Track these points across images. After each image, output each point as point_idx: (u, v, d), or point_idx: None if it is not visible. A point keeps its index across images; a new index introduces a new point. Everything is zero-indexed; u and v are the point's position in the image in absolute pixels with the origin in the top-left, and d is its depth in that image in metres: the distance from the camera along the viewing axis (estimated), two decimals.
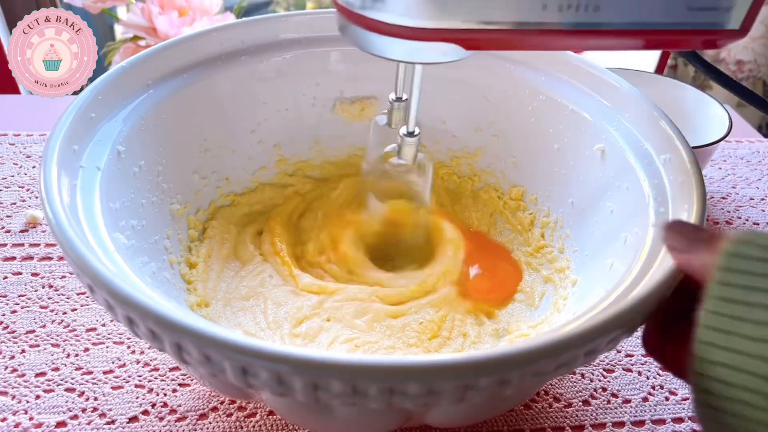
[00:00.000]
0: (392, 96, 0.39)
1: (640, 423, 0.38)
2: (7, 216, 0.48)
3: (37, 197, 0.50)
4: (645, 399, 0.39)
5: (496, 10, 0.26)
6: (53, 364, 0.38)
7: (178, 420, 0.36)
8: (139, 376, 0.38)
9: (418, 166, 0.40)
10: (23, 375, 0.37)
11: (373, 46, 0.29)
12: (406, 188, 0.43)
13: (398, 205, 0.44)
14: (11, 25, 1.00)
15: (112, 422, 0.35)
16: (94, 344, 0.39)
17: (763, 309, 0.22)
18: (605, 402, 0.39)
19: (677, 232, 0.26)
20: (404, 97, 0.39)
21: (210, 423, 0.36)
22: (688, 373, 0.24)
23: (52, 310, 0.41)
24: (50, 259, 0.45)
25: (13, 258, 0.45)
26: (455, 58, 0.29)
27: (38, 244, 0.46)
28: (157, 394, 0.37)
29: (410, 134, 0.38)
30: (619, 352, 0.42)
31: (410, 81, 0.34)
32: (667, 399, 0.39)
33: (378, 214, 0.44)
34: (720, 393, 0.23)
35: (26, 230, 0.47)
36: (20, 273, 0.44)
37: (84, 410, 0.36)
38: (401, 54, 0.29)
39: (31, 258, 0.45)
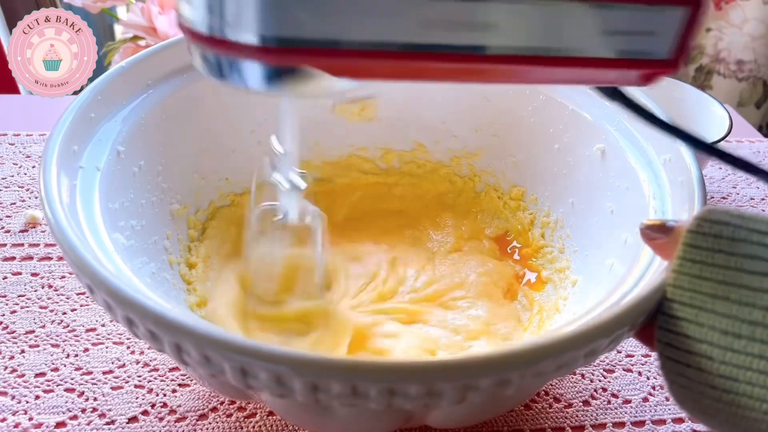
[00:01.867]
0: (278, 147, 0.32)
1: (641, 423, 0.38)
2: (7, 216, 0.48)
3: (36, 197, 0.50)
4: (645, 399, 0.39)
5: (359, 22, 0.20)
6: (53, 364, 0.38)
7: (178, 420, 0.36)
8: (139, 376, 0.38)
9: (305, 227, 0.33)
10: (23, 375, 0.37)
11: (227, 73, 0.23)
12: (295, 252, 0.37)
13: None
14: (11, 25, 1.00)
15: (112, 422, 0.35)
16: (93, 344, 0.39)
17: (725, 269, 0.23)
18: (605, 402, 0.39)
19: (652, 225, 0.28)
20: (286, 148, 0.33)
21: (210, 423, 0.36)
22: (655, 331, 0.26)
23: (51, 311, 0.41)
24: (50, 259, 0.45)
25: (13, 258, 0.45)
26: (335, 90, 0.23)
27: (38, 244, 0.46)
28: (157, 395, 0.37)
29: (295, 187, 0.31)
30: (619, 352, 0.42)
31: (281, 118, 0.28)
32: (667, 399, 0.39)
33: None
34: (682, 347, 0.24)
35: (26, 230, 0.47)
36: (20, 273, 0.44)
37: (84, 410, 0.36)
38: (258, 83, 0.23)
39: (31, 258, 0.45)
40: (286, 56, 0.21)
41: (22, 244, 0.46)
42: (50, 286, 0.43)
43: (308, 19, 0.20)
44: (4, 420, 0.35)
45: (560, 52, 0.22)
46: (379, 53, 0.21)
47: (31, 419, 0.35)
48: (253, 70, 0.23)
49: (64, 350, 0.39)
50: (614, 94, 0.25)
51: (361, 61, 0.21)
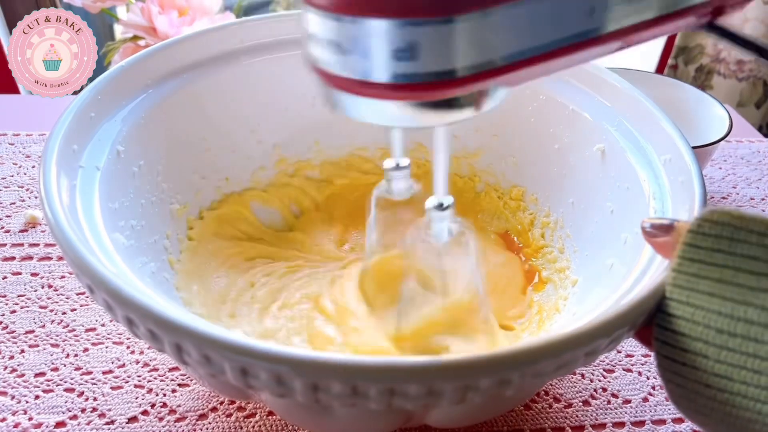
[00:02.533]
0: (388, 163, 0.32)
1: (641, 423, 0.38)
2: (7, 216, 0.48)
3: (36, 197, 0.50)
4: (645, 399, 0.39)
5: (543, 29, 0.21)
6: (53, 364, 0.38)
7: (178, 420, 0.36)
8: (139, 376, 0.38)
9: (455, 243, 0.31)
10: (23, 375, 0.37)
11: (385, 116, 0.22)
12: (439, 275, 0.35)
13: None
14: (11, 25, 1.00)
15: (112, 422, 0.35)
16: (93, 344, 0.39)
17: (723, 268, 0.23)
18: (605, 402, 0.39)
19: (653, 224, 0.28)
20: (403, 163, 0.33)
21: (209, 423, 0.36)
22: (653, 329, 0.26)
23: (51, 310, 0.41)
24: (50, 259, 0.45)
25: (13, 258, 0.45)
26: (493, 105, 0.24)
27: (38, 244, 0.46)
28: (157, 395, 0.37)
29: (440, 207, 0.30)
30: (619, 352, 0.42)
31: (432, 143, 0.27)
32: (667, 399, 0.39)
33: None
34: (678, 345, 0.24)
35: (26, 230, 0.47)
36: (20, 273, 0.44)
37: (83, 410, 0.36)
38: (421, 120, 0.22)
39: (31, 258, 0.45)
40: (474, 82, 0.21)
41: (22, 244, 0.46)
42: (50, 286, 0.43)
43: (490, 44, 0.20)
44: (3, 420, 0.35)
45: (678, 6, 0.23)
46: (540, 57, 0.21)
47: (30, 419, 0.35)
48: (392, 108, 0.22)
49: (63, 350, 0.39)
50: (710, 27, 0.26)
51: (524, 71, 0.22)
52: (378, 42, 0.19)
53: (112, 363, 0.38)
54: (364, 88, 0.21)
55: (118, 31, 0.70)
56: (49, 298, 0.42)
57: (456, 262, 0.33)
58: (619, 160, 0.37)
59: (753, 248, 0.23)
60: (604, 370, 0.41)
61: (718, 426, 0.24)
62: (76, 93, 0.37)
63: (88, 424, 0.35)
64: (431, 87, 0.20)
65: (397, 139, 0.32)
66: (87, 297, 0.42)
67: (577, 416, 0.38)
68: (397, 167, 0.33)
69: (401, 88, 0.20)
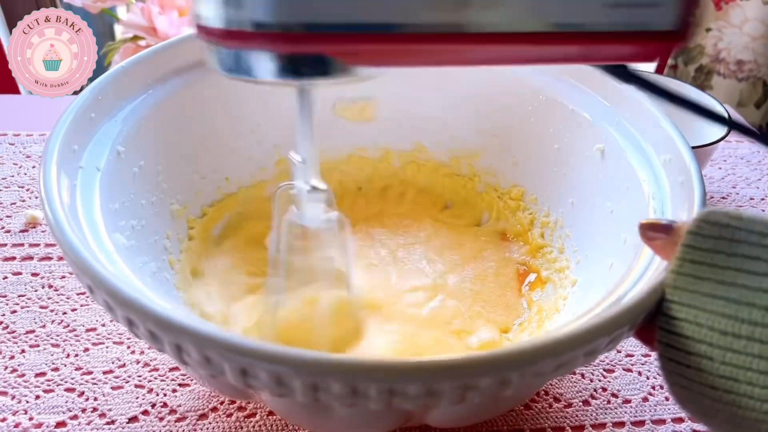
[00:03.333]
0: (296, 157, 0.31)
1: (640, 423, 0.38)
2: (7, 216, 0.48)
3: (37, 197, 0.50)
4: (645, 399, 0.39)
5: (374, 4, 0.21)
6: (53, 364, 0.38)
7: (178, 420, 0.36)
8: (139, 376, 0.38)
9: (326, 231, 0.32)
10: (23, 375, 0.37)
11: (243, 67, 0.23)
12: (320, 263, 0.35)
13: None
14: (11, 25, 1.00)
15: (112, 422, 0.35)
16: (93, 344, 0.39)
17: (724, 269, 0.23)
18: (605, 402, 0.39)
19: (651, 225, 0.28)
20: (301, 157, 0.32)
21: (210, 423, 0.36)
22: (656, 332, 0.25)
23: (52, 310, 0.41)
24: (50, 259, 0.45)
25: (13, 258, 0.45)
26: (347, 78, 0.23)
27: (38, 244, 0.46)
28: (157, 395, 0.37)
29: (314, 189, 0.30)
30: (619, 352, 0.42)
31: (297, 117, 0.28)
32: (667, 399, 0.39)
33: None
34: (682, 347, 0.24)
35: (26, 230, 0.47)
36: (20, 273, 0.44)
37: (84, 410, 0.36)
38: (273, 74, 0.23)
39: (31, 258, 0.45)
40: (302, 43, 0.21)
41: (23, 244, 0.46)
42: (50, 286, 0.43)
43: (324, 3, 0.20)
44: (4, 420, 0.35)
45: (564, 28, 0.22)
46: (393, 37, 0.21)
47: (31, 419, 0.35)
48: (267, 61, 0.23)
49: (64, 350, 0.39)
50: (627, 75, 0.25)
51: (374, 46, 0.22)
52: None
53: (113, 363, 0.38)
54: (227, 38, 0.22)
55: (119, 31, 0.70)
56: (49, 298, 0.42)
57: (326, 247, 0.33)
58: (619, 160, 0.37)
59: (754, 249, 0.23)
60: (604, 369, 0.41)
61: (724, 426, 0.24)
62: (76, 93, 0.37)
63: (88, 424, 0.35)
64: (259, 37, 0.21)
65: (301, 123, 0.29)
66: (87, 297, 0.42)
67: (577, 416, 0.38)
68: (313, 189, 0.31)
69: (232, 35, 0.22)
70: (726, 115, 0.51)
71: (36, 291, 0.42)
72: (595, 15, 0.22)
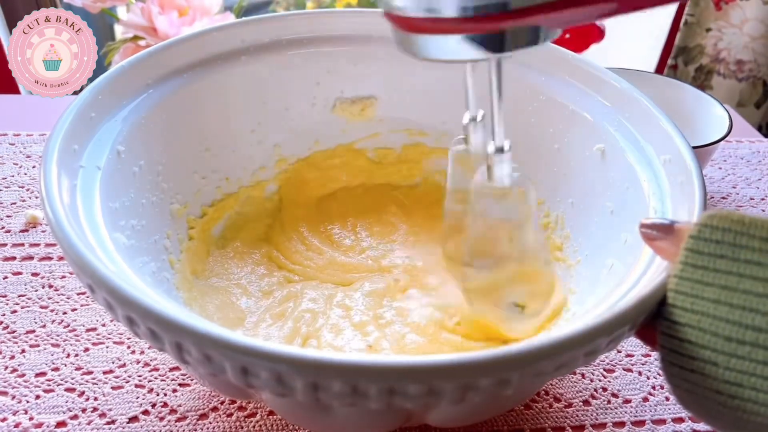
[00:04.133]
0: (466, 118, 0.36)
1: (641, 423, 0.38)
2: (7, 216, 0.48)
3: (37, 197, 0.50)
4: (645, 399, 0.39)
5: None
6: (53, 364, 0.38)
7: (178, 420, 0.36)
8: (139, 376, 0.38)
9: (516, 190, 0.34)
10: (23, 375, 0.37)
11: (443, 50, 0.26)
12: (504, 223, 0.35)
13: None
14: (11, 25, 1.00)
15: (112, 422, 0.35)
16: (94, 344, 0.39)
17: (727, 274, 0.23)
18: (605, 402, 0.39)
19: (653, 225, 0.28)
20: (479, 117, 0.36)
21: (210, 423, 0.36)
22: (657, 335, 0.25)
23: (52, 310, 0.41)
24: (50, 259, 0.45)
25: (13, 258, 0.45)
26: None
27: (38, 244, 0.46)
28: (157, 394, 0.37)
29: (500, 150, 0.32)
30: (619, 352, 0.42)
31: (489, 84, 0.30)
32: (667, 399, 0.39)
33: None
34: (686, 353, 0.24)
35: (26, 230, 0.47)
36: (20, 273, 0.44)
37: (84, 410, 0.36)
38: (478, 52, 0.26)
39: (31, 258, 0.45)
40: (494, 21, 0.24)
41: (23, 244, 0.46)
42: (51, 286, 0.43)
43: None
44: (4, 420, 0.35)
45: None
46: None
47: (31, 419, 0.35)
48: (455, 42, 0.26)
49: (64, 350, 0.39)
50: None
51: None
52: None
53: (113, 363, 0.38)
54: (434, 24, 0.25)
55: (119, 31, 0.70)
56: (49, 298, 0.42)
57: (517, 208, 0.34)
58: (619, 160, 0.37)
59: (756, 254, 0.23)
60: (605, 369, 0.41)
61: (729, 428, 0.24)
62: (76, 93, 0.37)
63: (88, 423, 0.35)
64: (490, 18, 0.24)
65: (471, 90, 0.34)
66: (88, 297, 0.42)
67: (577, 416, 0.38)
68: (474, 120, 0.35)
69: (465, 21, 0.24)
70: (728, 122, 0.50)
71: (36, 291, 0.43)
72: None
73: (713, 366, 0.23)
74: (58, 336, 0.40)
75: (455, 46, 0.26)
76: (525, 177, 0.34)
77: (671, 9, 1.21)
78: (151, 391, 0.37)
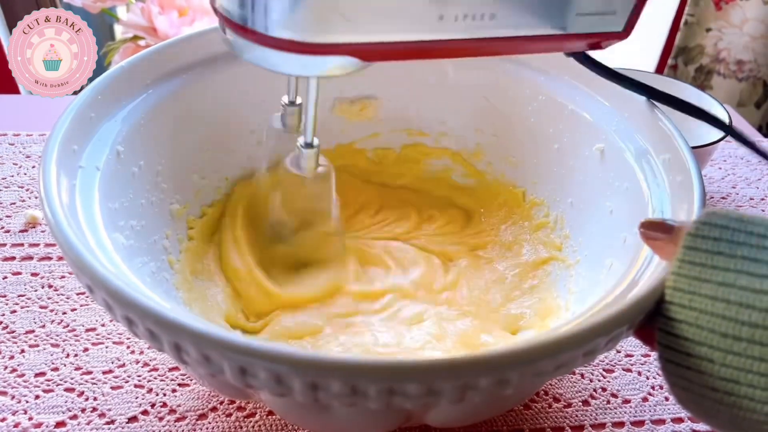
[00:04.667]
0: (284, 99, 0.38)
1: (640, 423, 0.38)
2: (7, 216, 0.48)
3: (36, 197, 0.50)
4: (645, 399, 0.39)
5: (391, 26, 0.25)
6: (53, 364, 0.38)
7: (178, 420, 0.36)
8: (139, 376, 0.38)
9: (317, 178, 0.38)
10: (23, 375, 0.37)
11: (262, 59, 0.27)
12: (306, 201, 0.41)
13: (305, 240, 0.42)
14: (11, 25, 1.00)
15: (112, 422, 0.35)
16: (93, 344, 0.39)
17: (724, 271, 0.23)
18: (605, 402, 0.39)
19: (652, 224, 0.28)
20: (297, 101, 0.38)
21: (209, 423, 0.36)
22: (655, 333, 0.25)
23: (51, 310, 0.41)
24: (50, 259, 0.45)
25: (13, 258, 0.45)
26: (352, 69, 0.28)
27: (38, 244, 0.46)
28: (157, 394, 0.37)
29: (308, 145, 0.36)
30: (618, 352, 0.42)
31: (305, 92, 0.33)
32: (666, 399, 0.39)
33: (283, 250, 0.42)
34: (682, 349, 0.24)
35: (26, 230, 0.47)
36: (20, 273, 0.44)
37: (83, 410, 0.36)
38: (293, 68, 0.28)
39: (31, 258, 0.45)
40: (315, 50, 0.25)
41: (22, 244, 0.46)
42: (50, 286, 0.43)
43: (334, 27, 0.24)
44: (4, 420, 0.35)
45: (543, 34, 0.28)
46: (401, 43, 0.26)
47: (31, 419, 0.35)
48: (277, 55, 0.26)
49: (64, 350, 0.39)
50: (585, 59, 0.33)
51: (383, 52, 0.27)
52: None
53: (112, 363, 0.38)
54: (253, 34, 0.25)
55: (118, 31, 0.70)
56: (49, 298, 0.42)
57: (320, 194, 0.40)
58: (618, 160, 0.37)
59: (754, 250, 0.23)
60: (604, 369, 0.41)
61: (725, 426, 0.24)
62: (76, 93, 0.37)
63: (88, 423, 0.35)
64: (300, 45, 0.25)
65: (292, 79, 0.37)
66: (87, 297, 0.42)
67: (576, 416, 0.38)
68: (292, 104, 0.38)
69: (277, 40, 0.25)
70: (706, 112, 0.51)
71: (36, 291, 0.43)
72: (569, 23, 0.29)
73: (709, 363, 0.23)
74: (57, 336, 0.40)
75: (275, 59, 0.27)
76: (330, 170, 0.39)
77: (671, 9, 1.21)
78: (150, 391, 0.37)
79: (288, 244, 0.42)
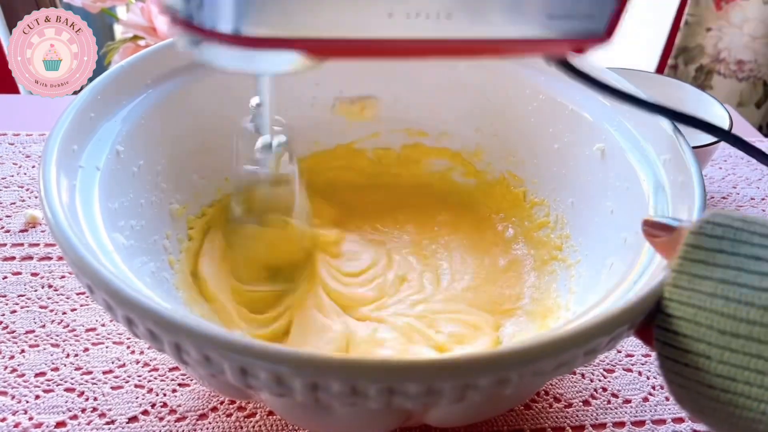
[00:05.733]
0: (253, 101, 0.36)
1: (641, 423, 0.38)
2: (7, 216, 0.48)
3: (36, 197, 0.50)
4: (645, 399, 0.39)
5: (335, 21, 0.24)
6: (53, 364, 0.38)
7: (178, 420, 0.36)
8: (139, 376, 0.38)
9: (282, 179, 0.38)
10: (23, 375, 0.37)
11: (212, 57, 0.26)
12: (274, 200, 0.40)
13: (274, 236, 0.42)
14: (11, 25, 1.00)
15: (112, 422, 0.35)
16: (93, 344, 0.39)
17: (725, 268, 0.23)
18: (605, 402, 0.39)
19: (655, 223, 0.28)
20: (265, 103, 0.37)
21: (210, 423, 0.36)
22: (653, 330, 0.25)
23: (51, 310, 0.41)
24: (50, 259, 0.45)
25: (13, 258, 0.45)
26: (302, 67, 0.26)
27: (38, 244, 0.46)
28: (157, 394, 0.37)
29: (267, 147, 0.36)
30: (619, 352, 0.42)
31: (260, 90, 0.32)
32: (667, 399, 0.39)
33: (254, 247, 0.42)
34: (680, 346, 0.24)
35: (26, 230, 0.47)
36: (20, 273, 0.44)
37: (84, 410, 0.36)
38: (241, 65, 0.26)
39: (31, 258, 0.45)
40: (261, 44, 0.24)
41: (22, 244, 0.46)
42: (50, 286, 0.43)
43: (279, 20, 0.23)
44: (4, 420, 0.35)
45: (509, 37, 0.26)
46: (352, 40, 0.24)
47: (31, 419, 0.35)
48: (226, 52, 0.25)
49: (64, 350, 0.39)
50: (565, 65, 0.30)
51: (332, 49, 0.25)
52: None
53: (113, 363, 0.38)
54: (201, 31, 0.24)
55: (118, 31, 0.70)
56: (49, 298, 0.42)
57: (283, 192, 0.40)
58: (619, 160, 0.37)
59: (756, 249, 0.23)
60: (604, 369, 0.41)
61: (721, 425, 0.24)
62: (76, 93, 0.37)
63: (88, 423, 0.35)
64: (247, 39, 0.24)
65: (261, 79, 0.35)
66: (87, 297, 0.42)
67: (577, 416, 0.38)
68: (260, 105, 0.36)
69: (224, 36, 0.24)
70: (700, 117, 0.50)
71: (36, 291, 0.42)
72: (539, 26, 0.26)
73: (706, 360, 0.23)
74: (57, 336, 0.40)
75: (223, 56, 0.25)
76: (294, 171, 0.39)
77: (671, 9, 1.21)
78: (150, 391, 0.37)
79: (250, 241, 0.41)
